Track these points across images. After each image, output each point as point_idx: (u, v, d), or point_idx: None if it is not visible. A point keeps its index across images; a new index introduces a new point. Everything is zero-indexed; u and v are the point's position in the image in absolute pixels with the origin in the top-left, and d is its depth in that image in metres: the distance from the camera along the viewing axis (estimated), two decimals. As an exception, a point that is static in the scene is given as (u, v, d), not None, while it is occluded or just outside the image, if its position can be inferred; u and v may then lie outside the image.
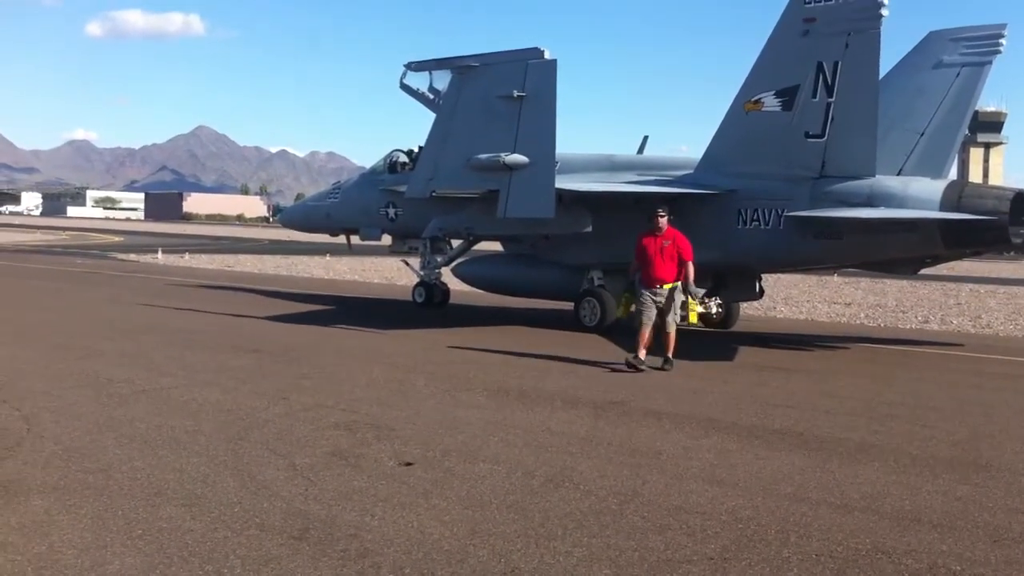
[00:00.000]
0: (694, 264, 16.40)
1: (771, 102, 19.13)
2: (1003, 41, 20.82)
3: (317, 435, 10.21)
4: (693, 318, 16.49)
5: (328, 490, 8.19)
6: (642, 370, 15.21)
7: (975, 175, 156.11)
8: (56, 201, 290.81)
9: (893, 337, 22.82)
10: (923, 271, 22.68)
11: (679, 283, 16.09)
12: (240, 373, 13.77)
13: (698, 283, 22.03)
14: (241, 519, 7.38)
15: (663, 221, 16.48)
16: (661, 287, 15.98)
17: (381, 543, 6.93)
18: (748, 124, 19.59)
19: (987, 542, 7.32)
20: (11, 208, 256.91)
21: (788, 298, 33.00)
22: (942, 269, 30.74)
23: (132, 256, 49.35)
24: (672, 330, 16.01)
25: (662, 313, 15.93)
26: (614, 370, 15.36)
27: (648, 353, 15.64)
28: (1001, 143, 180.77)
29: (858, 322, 26.40)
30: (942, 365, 18.34)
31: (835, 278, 43.56)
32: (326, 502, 7.86)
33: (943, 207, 17.87)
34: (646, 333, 15.77)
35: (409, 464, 9.12)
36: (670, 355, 15.79)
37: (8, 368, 13.77)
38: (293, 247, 62.24)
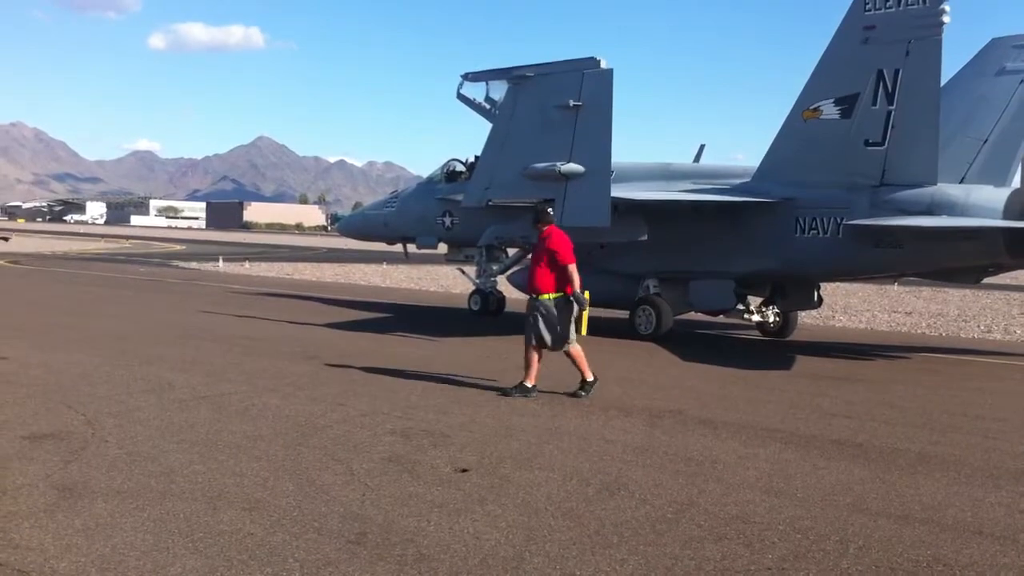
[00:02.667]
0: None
1: (830, 110, 18.98)
2: (1067, 47, 20.45)
3: (374, 441, 10.30)
4: (584, 331, 13.78)
5: (385, 495, 8.26)
6: (529, 396, 13.25)
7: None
8: (120, 210, 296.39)
9: (955, 347, 22.46)
10: (986, 280, 22.27)
11: (562, 293, 13.44)
12: (298, 379, 13.92)
13: (756, 292, 22.10)
14: (300, 523, 7.47)
15: (542, 217, 13.93)
16: (538, 298, 13.45)
17: (437, 548, 6.97)
18: (806, 132, 19.45)
19: (1051, 555, 7.19)
20: (76, 217, 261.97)
21: (847, 307, 32.61)
22: (1006, 278, 30.22)
23: (193, 264, 50.11)
24: (572, 349, 13.58)
25: (553, 330, 13.43)
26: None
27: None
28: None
29: (919, 331, 26.01)
30: (1005, 375, 18.02)
31: (895, 287, 42.94)
32: (383, 507, 7.93)
33: (1006, 215, 17.60)
34: (531, 355, 13.49)
35: (465, 470, 9.16)
36: (586, 378, 13.56)
37: (72, 373, 14.06)
38: (350, 255, 62.78)
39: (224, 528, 7.31)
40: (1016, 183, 20.16)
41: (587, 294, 13.49)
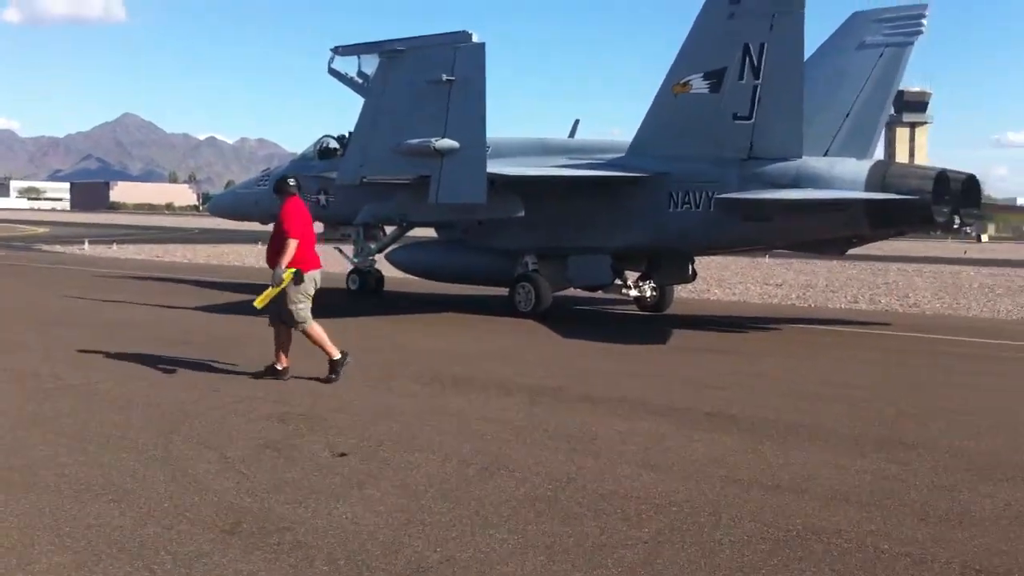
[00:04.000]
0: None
1: (699, 84, 19.28)
2: (925, 21, 21.15)
3: (249, 427, 10.09)
4: (259, 303, 12.77)
5: (260, 482, 8.09)
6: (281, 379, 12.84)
7: (902, 155, 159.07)
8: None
9: (823, 317, 23.21)
10: (852, 251, 23.06)
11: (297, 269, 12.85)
12: (169, 365, 13.52)
13: (632, 267, 22.40)
14: (172, 514, 7.26)
15: (281, 189, 13.46)
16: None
17: (315, 535, 6.86)
18: (677, 107, 19.73)
19: (914, 520, 7.47)
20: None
21: (721, 280, 33.38)
22: (871, 249, 31.33)
23: (58, 247, 48.28)
24: (303, 329, 12.96)
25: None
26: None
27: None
28: (926, 123, 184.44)
29: (789, 303, 26.82)
30: (871, 344, 18.70)
31: (767, 260, 44.18)
32: (259, 495, 7.76)
33: (868, 187, 18.16)
34: (312, 333, 13.04)
35: (343, 454, 9.04)
36: (333, 357, 12.90)
37: (-73, 365, 13.39)
38: (224, 236, 61.40)
39: (92, 521, 7.05)
40: (879, 155, 20.86)
41: (288, 274, 12.62)
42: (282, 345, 13.05)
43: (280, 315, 12.96)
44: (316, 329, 13.02)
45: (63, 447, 9.13)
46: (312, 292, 13.12)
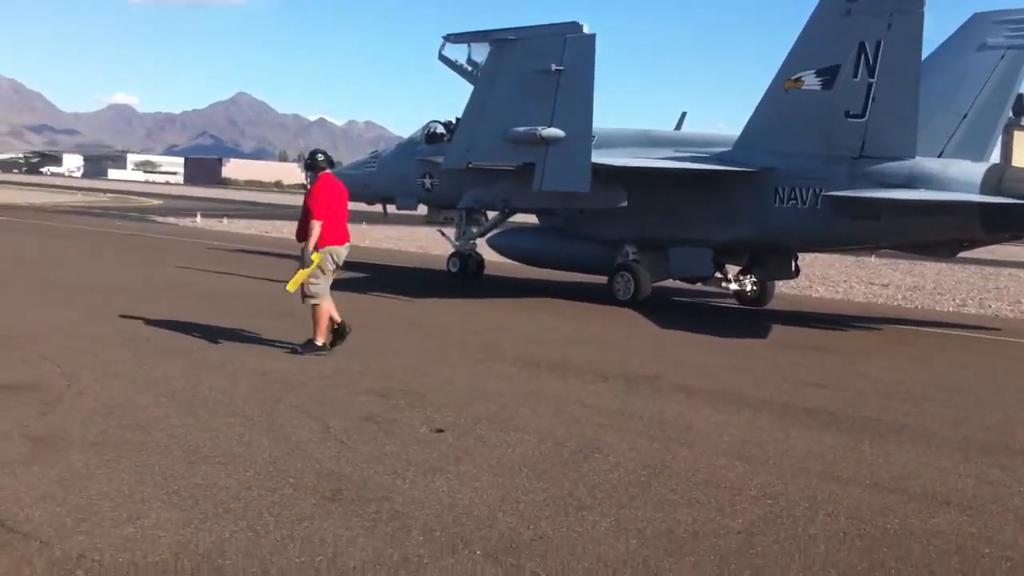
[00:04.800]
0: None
1: (811, 81, 18.97)
2: (1048, 24, 20.46)
3: (351, 400, 10.33)
4: (291, 287, 12.98)
5: (361, 453, 8.30)
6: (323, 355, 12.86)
7: (1019, 159, 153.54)
8: (97, 164, 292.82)
9: (930, 319, 22.65)
10: (962, 254, 22.44)
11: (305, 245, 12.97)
12: (275, 337, 13.89)
13: (734, 260, 22.20)
14: (275, 478, 7.50)
15: (312, 165, 13.61)
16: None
17: (412, 506, 7.02)
18: (787, 102, 19.44)
19: (1016, 525, 7.31)
20: (53, 169, 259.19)
21: (825, 278, 32.78)
22: (982, 253, 30.48)
23: (171, 219, 49.78)
24: (311, 303, 12.99)
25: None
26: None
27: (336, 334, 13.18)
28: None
29: (895, 304, 26.21)
30: (978, 349, 18.22)
31: (873, 259, 43.18)
32: (359, 465, 7.97)
33: (983, 190, 17.67)
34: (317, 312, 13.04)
35: (441, 431, 9.21)
36: (316, 340, 12.96)
37: (50, 326, 14.00)
38: (329, 215, 62.39)
39: (199, 482, 7.33)
40: (994, 158, 20.27)
41: (316, 256, 12.76)
42: (319, 322, 12.99)
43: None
44: (324, 309, 12.93)
45: (173, 410, 9.49)
46: (329, 268, 13.13)
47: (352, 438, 8.78)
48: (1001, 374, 15.15)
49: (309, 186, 13.37)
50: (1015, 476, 8.73)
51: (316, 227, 12.81)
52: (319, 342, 12.93)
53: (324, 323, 12.97)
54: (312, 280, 12.91)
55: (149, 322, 14.84)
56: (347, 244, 13.41)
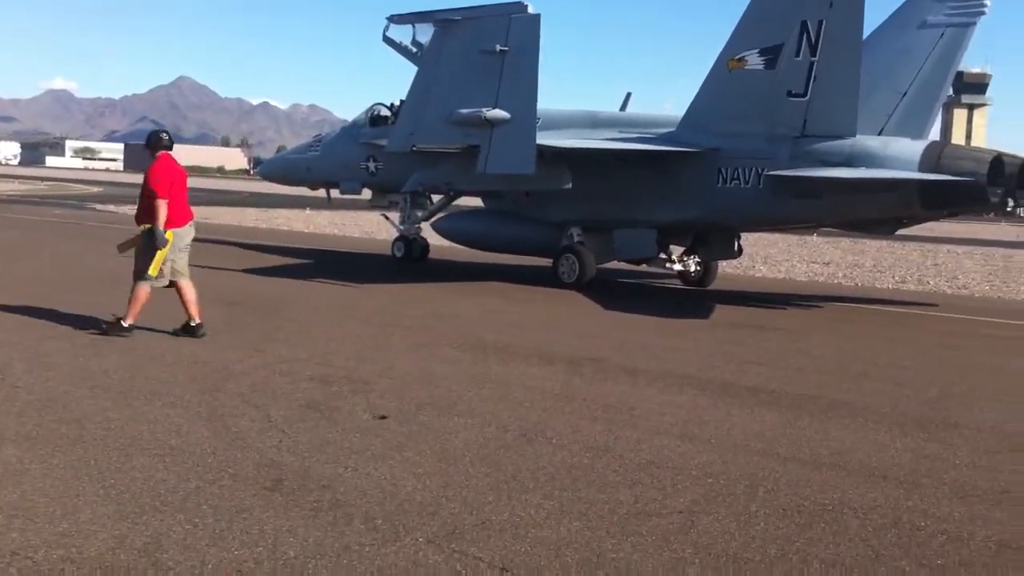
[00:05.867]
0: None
1: (754, 60, 19.10)
2: (988, 2, 20.75)
3: (292, 388, 10.23)
4: (153, 271, 12.73)
5: (302, 442, 8.22)
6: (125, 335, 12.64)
7: (958, 136, 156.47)
8: (34, 151, 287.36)
9: (870, 297, 23.00)
10: (902, 231, 22.81)
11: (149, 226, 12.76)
12: (216, 325, 13.69)
13: (677, 241, 22.32)
14: (214, 469, 7.40)
15: (153, 143, 13.32)
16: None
17: (354, 494, 6.97)
18: (731, 82, 19.57)
19: (952, 498, 7.44)
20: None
21: (767, 257, 33.14)
22: (921, 230, 30.95)
23: (111, 207, 48.95)
24: (139, 281, 12.86)
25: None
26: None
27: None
28: (985, 104, 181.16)
29: (836, 281, 26.57)
30: (917, 325, 18.52)
31: (815, 238, 43.72)
32: (300, 454, 7.89)
33: (922, 168, 17.93)
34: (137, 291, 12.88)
35: (383, 417, 9.15)
36: (125, 322, 12.72)
37: (-18, 318, 13.69)
38: (273, 200, 61.90)
39: (136, 475, 7.21)
40: (935, 136, 20.56)
41: (170, 235, 12.61)
42: (187, 302, 12.92)
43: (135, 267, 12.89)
44: (145, 292, 12.77)
45: (110, 402, 9.32)
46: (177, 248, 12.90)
47: (293, 427, 8.69)
48: (938, 350, 15.43)
49: (148, 166, 13.06)
50: (951, 450, 8.89)
51: (162, 206, 12.60)
52: (127, 323, 12.67)
53: (139, 306, 12.73)
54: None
55: (85, 312, 14.56)
56: (190, 223, 13.17)
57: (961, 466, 8.35)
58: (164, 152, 13.15)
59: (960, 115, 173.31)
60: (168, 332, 12.92)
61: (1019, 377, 13.29)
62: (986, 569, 6.12)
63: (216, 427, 8.58)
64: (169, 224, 12.71)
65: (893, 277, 28.15)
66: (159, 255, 12.65)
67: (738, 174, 19.42)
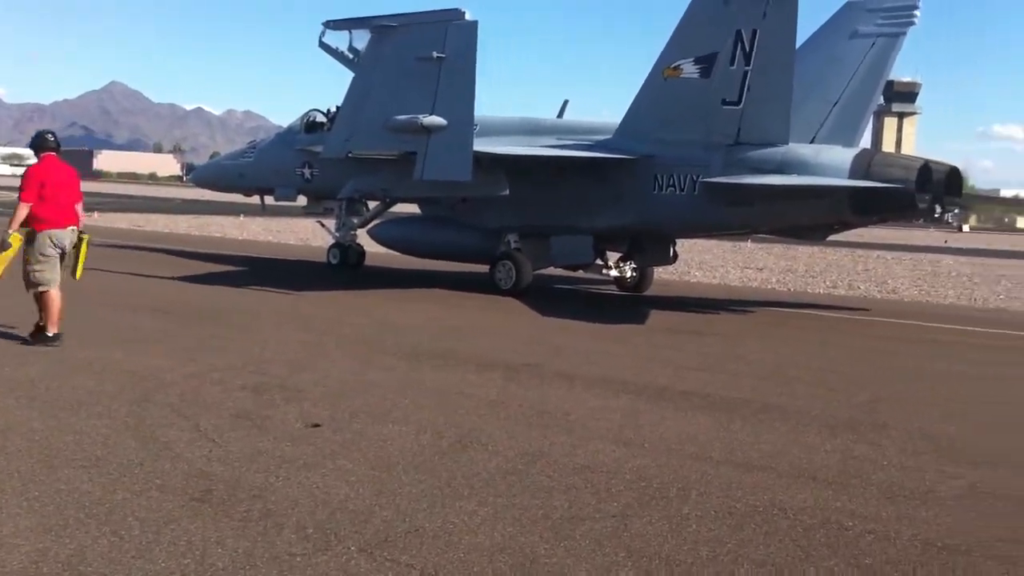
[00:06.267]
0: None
1: (690, 69, 19.28)
2: (917, 12, 21.14)
3: (224, 397, 10.08)
4: None
5: (232, 452, 8.10)
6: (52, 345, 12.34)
7: (889, 144, 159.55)
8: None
9: (802, 302, 23.33)
10: (833, 237, 23.19)
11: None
12: (147, 334, 13.50)
13: (613, 248, 22.44)
14: (141, 481, 7.26)
15: (38, 145, 12.94)
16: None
17: (285, 504, 6.88)
18: (667, 90, 19.73)
19: (880, 498, 7.56)
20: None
21: (703, 263, 33.47)
22: (852, 235, 31.46)
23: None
24: (37, 292, 12.54)
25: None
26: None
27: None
28: (915, 113, 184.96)
29: (769, 287, 26.93)
30: (848, 329, 18.82)
31: (749, 244, 44.28)
32: (230, 463, 7.77)
33: (852, 175, 18.23)
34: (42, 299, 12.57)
35: (317, 425, 9.05)
36: (48, 330, 12.49)
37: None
38: (207, 207, 61.11)
39: (61, 487, 7.04)
40: (866, 144, 20.91)
41: (16, 238, 12.16)
42: (47, 309, 12.48)
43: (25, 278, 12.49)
44: (52, 296, 12.41)
45: (36, 412, 9.10)
46: (51, 253, 12.52)
47: (224, 436, 8.55)
48: (868, 353, 15.70)
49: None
50: (879, 451, 9.04)
51: (20, 210, 12.24)
52: (51, 332, 12.41)
53: (55, 310, 12.43)
54: (36, 268, 12.40)
55: (11, 321, 14.22)
56: (70, 228, 12.69)
57: (889, 467, 8.49)
58: (48, 154, 12.78)
59: (891, 123, 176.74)
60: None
61: (946, 379, 13.57)
62: (912, 567, 6.22)
63: (144, 437, 8.42)
64: (45, 226, 12.37)
65: (825, 282, 28.60)
66: (2, 257, 12.24)
67: (674, 181, 19.58)
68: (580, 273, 23.18)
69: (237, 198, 29.78)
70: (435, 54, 19.15)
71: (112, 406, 9.43)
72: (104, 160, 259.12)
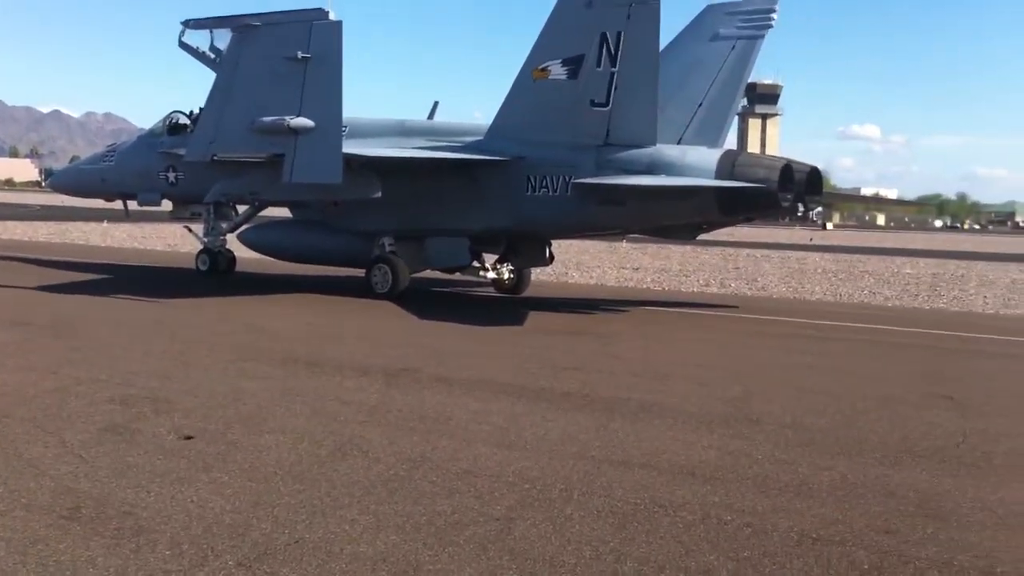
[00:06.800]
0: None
1: (558, 70, 19.43)
2: (775, 15, 21.77)
3: (90, 410, 9.69)
4: None
5: (101, 467, 7.79)
6: None
7: (754, 145, 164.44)
8: None
9: (676, 300, 23.78)
10: (705, 237, 23.71)
11: None
12: (6, 347, 12.90)
13: (490, 250, 22.48)
14: (5, 500, 6.92)
15: None
16: None
17: (158, 519, 6.64)
18: (536, 92, 19.83)
19: (755, 492, 7.74)
20: None
21: (580, 264, 33.85)
22: (723, 235, 32.30)
23: None
24: None
25: None
26: None
27: None
28: (777, 114, 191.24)
29: (644, 286, 27.39)
30: (720, 326, 19.26)
31: (624, 244, 44.99)
32: (99, 479, 7.47)
33: (718, 175, 18.65)
34: None
35: (189, 437, 8.78)
36: None
37: None
38: (68, 213, 58.92)
39: (-84, 511, 6.66)
40: (732, 144, 21.42)
41: None
42: None
43: None
44: None
45: None
46: None
47: (91, 451, 8.22)
48: (740, 349, 16.09)
49: None
50: (754, 445, 9.25)
51: None
52: None
53: None
54: None
55: None
56: None
57: (763, 460, 8.70)
58: None
59: (755, 124, 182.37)
60: None
61: (815, 373, 13.98)
62: (789, 559, 6.37)
63: (7, 454, 8.03)
64: None
65: (698, 280, 29.26)
66: None
67: (546, 182, 19.71)
68: (458, 276, 23.14)
69: (99, 203, 28.73)
70: (300, 54, 18.85)
71: (-31, 424, 8.97)
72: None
